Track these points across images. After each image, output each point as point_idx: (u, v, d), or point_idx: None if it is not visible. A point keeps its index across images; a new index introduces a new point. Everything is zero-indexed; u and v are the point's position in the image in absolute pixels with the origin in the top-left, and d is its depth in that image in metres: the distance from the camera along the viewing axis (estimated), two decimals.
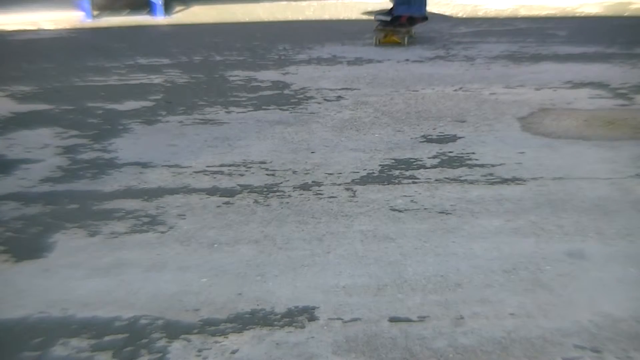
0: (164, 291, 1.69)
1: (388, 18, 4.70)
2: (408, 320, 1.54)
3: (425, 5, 4.57)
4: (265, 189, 2.31)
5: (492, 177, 2.35)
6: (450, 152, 2.61)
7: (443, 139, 2.66)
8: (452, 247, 1.87)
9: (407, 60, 4.17)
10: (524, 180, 2.31)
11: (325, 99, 3.43)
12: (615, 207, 2.08)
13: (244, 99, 3.51)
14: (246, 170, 2.49)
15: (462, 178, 2.35)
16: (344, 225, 2.02)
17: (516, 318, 1.53)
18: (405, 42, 4.59)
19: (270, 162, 2.57)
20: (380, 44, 4.69)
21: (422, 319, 1.54)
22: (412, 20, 4.65)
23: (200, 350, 1.45)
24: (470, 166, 2.46)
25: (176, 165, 2.57)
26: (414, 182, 2.33)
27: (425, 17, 4.55)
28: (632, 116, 3.00)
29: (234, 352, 1.45)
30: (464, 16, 6.13)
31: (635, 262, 1.76)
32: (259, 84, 3.83)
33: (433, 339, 1.46)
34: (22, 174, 2.54)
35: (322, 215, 2.10)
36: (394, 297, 1.63)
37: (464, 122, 2.98)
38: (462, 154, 2.59)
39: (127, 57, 4.67)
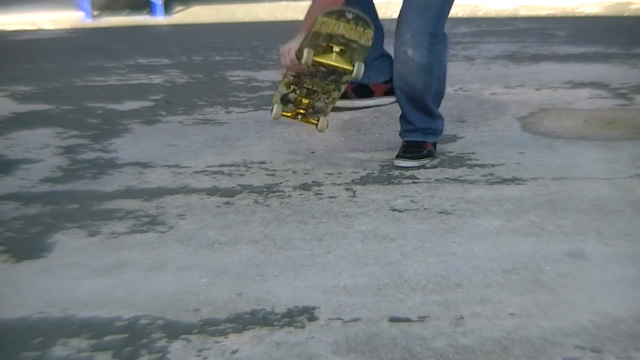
0: (164, 291, 1.69)
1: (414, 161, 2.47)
2: (408, 320, 1.54)
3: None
4: (265, 189, 2.31)
5: (492, 177, 2.35)
6: (450, 152, 2.61)
7: (443, 139, 2.66)
8: (452, 247, 1.87)
9: None
10: (524, 180, 2.31)
11: None
12: (615, 207, 2.08)
13: (244, 99, 3.52)
14: (246, 170, 2.49)
15: (462, 178, 2.35)
16: (344, 225, 2.02)
17: (516, 318, 1.53)
18: (325, 126, 2.42)
19: (270, 162, 2.57)
20: (282, 116, 2.44)
21: (422, 319, 1.54)
22: (435, 147, 2.55)
23: (200, 350, 1.45)
24: (470, 166, 2.46)
25: (176, 165, 2.57)
26: (414, 182, 2.33)
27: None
28: (632, 116, 3.00)
29: (234, 352, 1.45)
30: (464, 16, 6.12)
31: (635, 262, 1.76)
32: (259, 84, 3.83)
33: (433, 339, 1.46)
34: (22, 174, 2.54)
35: (322, 215, 2.10)
36: (394, 297, 1.63)
37: (464, 122, 2.98)
38: (462, 154, 2.59)
39: (127, 57, 4.67)
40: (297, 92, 2.40)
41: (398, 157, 2.48)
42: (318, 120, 2.42)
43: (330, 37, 2.25)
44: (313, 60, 2.27)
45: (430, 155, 2.50)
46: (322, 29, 2.24)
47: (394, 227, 2.00)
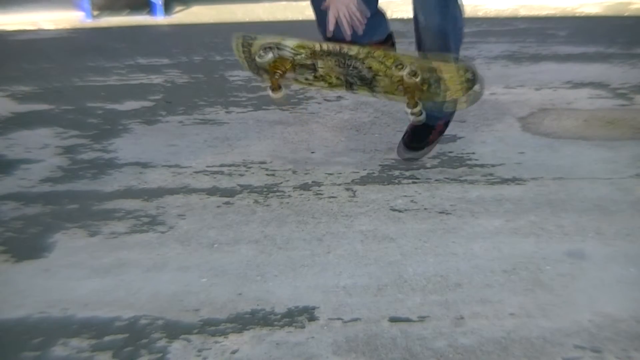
0: (164, 291, 1.69)
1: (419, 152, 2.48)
2: (408, 320, 1.54)
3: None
4: (265, 189, 2.31)
5: (492, 177, 2.35)
6: (450, 152, 2.61)
7: (443, 139, 2.65)
8: (452, 247, 1.87)
9: None
10: (524, 180, 2.31)
11: (325, 99, 3.43)
12: (615, 207, 2.08)
13: (244, 99, 3.51)
14: (246, 170, 2.49)
15: (462, 178, 2.35)
16: (344, 225, 2.02)
17: (516, 318, 1.53)
18: (283, 99, 2.35)
19: (270, 162, 2.57)
20: (267, 67, 2.30)
21: (422, 319, 1.54)
22: (447, 126, 2.55)
23: (200, 350, 1.45)
24: (470, 166, 2.46)
25: (176, 165, 2.57)
26: (414, 182, 2.33)
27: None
28: (632, 116, 3.00)
29: (234, 352, 1.45)
30: (464, 16, 6.13)
31: (635, 262, 1.76)
32: (259, 84, 3.83)
33: (433, 339, 1.46)
34: (22, 174, 2.54)
35: (322, 215, 2.10)
36: (394, 297, 1.63)
37: (464, 122, 2.98)
38: (462, 154, 2.59)
39: (127, 57, 4.67)
40: (298, 57, 2.22)
41: (404, 144, 2.43)
42: (280, 90, 2.27)
43: (430, 71, 2.13)
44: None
45: (437, 138, 2.46)
46: (437, 68, 2.14)
47: (394, 227, 2.00)
